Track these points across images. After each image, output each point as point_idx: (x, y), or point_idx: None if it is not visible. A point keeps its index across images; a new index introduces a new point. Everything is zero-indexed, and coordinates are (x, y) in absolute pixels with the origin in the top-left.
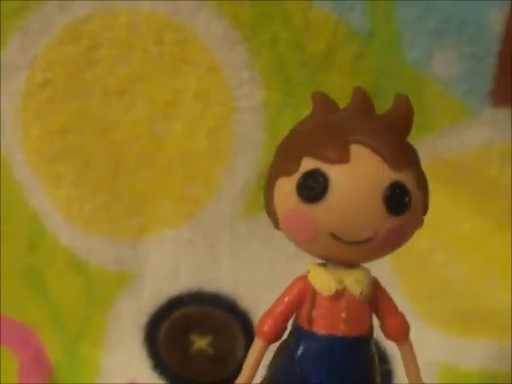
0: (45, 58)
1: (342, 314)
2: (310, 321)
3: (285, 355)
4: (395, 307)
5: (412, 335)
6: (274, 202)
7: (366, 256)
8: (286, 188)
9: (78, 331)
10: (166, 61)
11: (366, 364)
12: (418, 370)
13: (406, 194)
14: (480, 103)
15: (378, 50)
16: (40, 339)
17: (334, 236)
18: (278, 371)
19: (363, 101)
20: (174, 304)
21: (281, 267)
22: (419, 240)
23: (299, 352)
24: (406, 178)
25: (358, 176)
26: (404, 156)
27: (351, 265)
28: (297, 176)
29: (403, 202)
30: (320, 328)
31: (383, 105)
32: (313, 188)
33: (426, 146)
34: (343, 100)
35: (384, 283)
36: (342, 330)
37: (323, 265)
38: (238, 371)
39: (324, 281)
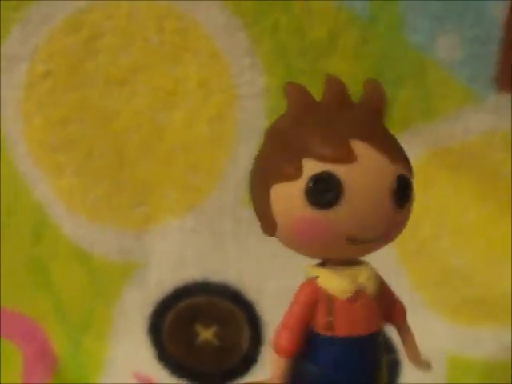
0: (46, 48)
1: (360, 314)
2: (330, 327)
3: (306, 366)
4: (394, 293)
5: (420, 324)
6: (273, 210)
7: (368, 251)
8: (289, 194)
9: (83, 322)
10: (167, 49)
11: (379, 356)
12: (418, 349)
13: (409, 186)
14: (484, 89)
15: (380, 35)
16: (44, 331)
17: (349, 238)
18: None
19: (338, 90)
20: (179, 294)
21: (285, 254)
22: (424, 227)
23: (321, 359)
24: (404, 169)
25: (367, 175)
26: (397, 146)
27: (351, 261)
28: (303, 180)
29: (406, 194)
30: (340, 332)
31: (387, 90)
32: (326, 192)
33: (430, 133)
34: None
35: (391, 273)
36: (361, 328)
37: (322, 265)
38: (242, 362)
39: (340, 284)
